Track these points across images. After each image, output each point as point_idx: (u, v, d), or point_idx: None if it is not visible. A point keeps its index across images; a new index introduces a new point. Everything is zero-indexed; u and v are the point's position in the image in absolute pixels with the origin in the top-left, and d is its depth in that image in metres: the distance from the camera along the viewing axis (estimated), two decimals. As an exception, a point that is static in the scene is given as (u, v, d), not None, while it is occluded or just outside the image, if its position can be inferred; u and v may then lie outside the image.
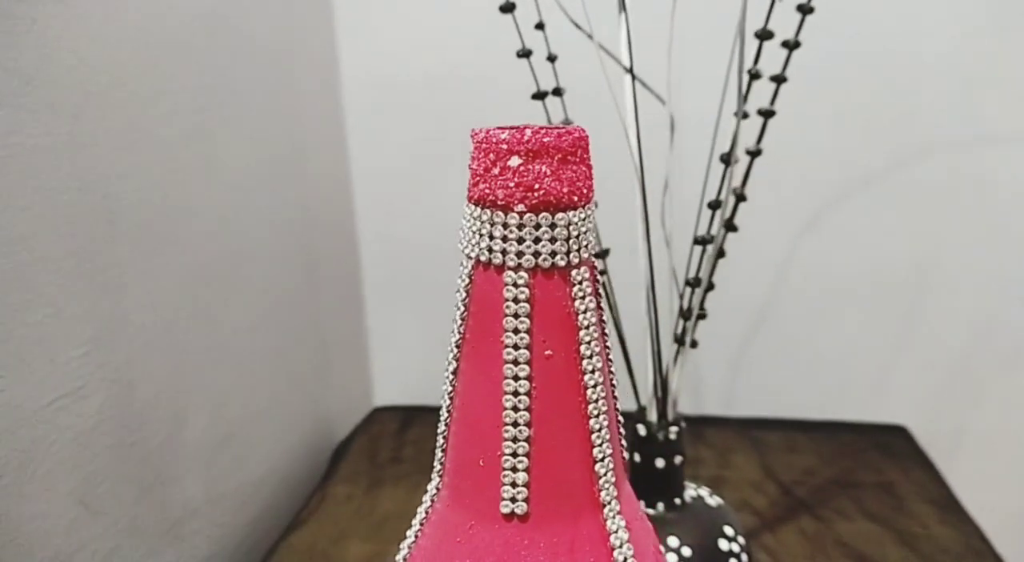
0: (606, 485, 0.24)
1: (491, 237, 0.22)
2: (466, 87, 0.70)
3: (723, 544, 0.43)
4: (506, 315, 0.23)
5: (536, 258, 0.22)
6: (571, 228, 0.22)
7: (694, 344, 0.43)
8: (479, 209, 0.22)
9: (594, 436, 0.23)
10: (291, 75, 0.70)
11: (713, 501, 0.45)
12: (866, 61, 0.63)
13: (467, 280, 0.23)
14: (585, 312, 0.23)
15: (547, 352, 0.23)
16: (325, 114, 0.77)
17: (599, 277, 0.25)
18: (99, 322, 0.47)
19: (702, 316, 0.42)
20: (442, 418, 0.25)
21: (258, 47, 0.64)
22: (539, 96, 0.40)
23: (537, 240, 0.22)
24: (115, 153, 0.48)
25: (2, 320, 0.40)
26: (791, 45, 0.38)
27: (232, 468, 0.60)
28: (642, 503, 0.44)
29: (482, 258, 0.23)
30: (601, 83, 0.42)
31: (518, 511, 0.23)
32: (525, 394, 0.23)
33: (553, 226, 0.22)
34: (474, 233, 0.23)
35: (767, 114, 0.39)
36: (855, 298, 0.69)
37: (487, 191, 0.22)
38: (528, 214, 0.22)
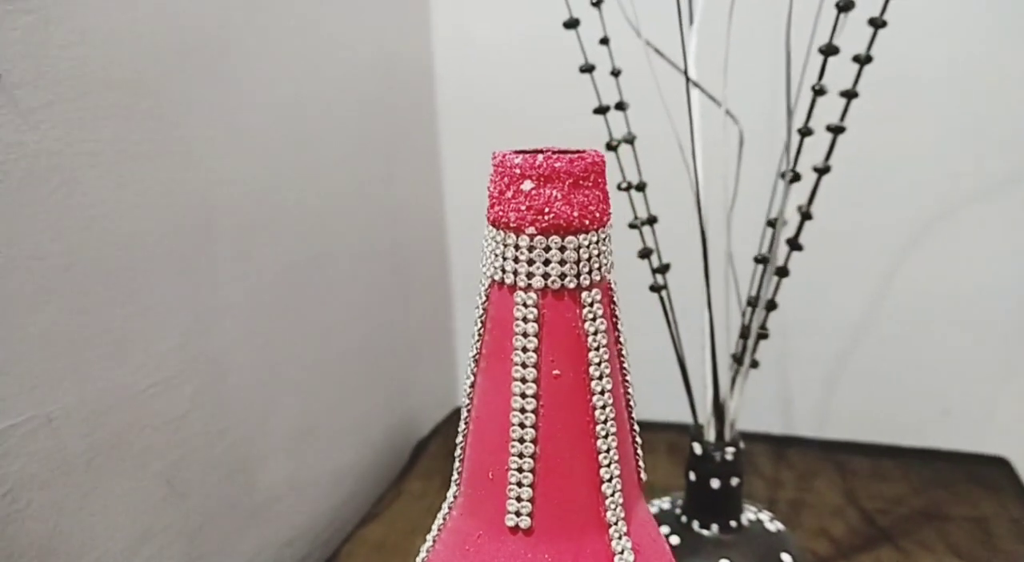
0: (612, 506, 0.24)
1: (504, 258, 0.23)
2: (552, 100, 0.70)
3: (778, 570, 0.42)
4: (515, 334, 0.23)
5: (546, 280, 0.23)
6: (581, 251, 0.23)
7: (755, 364, 0.42)
8: (495, 230, 0.23)
9: (601, 456, 0.24)
10: (388, 82, 0.72)
11: (773, 526, 0.44)
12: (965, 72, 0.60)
13: (484, 298, 0.24)
14: (595, 334, 0.23)
15: (555, 372, 0.23)
16: (419, 117, 0.79)
17: (615, 299, 0.25)
18: (194, 316, 0.50)
19: (763, 336, 0.41)
20: (460, 429, 0.25)
21: (356, 56, 0.67)
22: (601, 110, 0.40)
23: (547, 262, 0.23)
24: (215, 160, 0.51)
25: (106, 311, 0.44)
26: (862, 60, 0.37)
27: (315, 459, 0.64)
28: (696, 523, 0.43)
29: (496, 278, 0.24)
30: (669, 98, 0.42)
31: (522, 525, 0.24)
32: (532, 411, 0.23)
33: (563, 249, 0.23)
34: (490, 253, 0.24)
35: (836, 130, 0.38)
36: (959, 319, 0.65)
37: (501, 213, 0.23)
38: (539, 237, 0.23)
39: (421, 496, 0.64)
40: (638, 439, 0.26)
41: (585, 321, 0.23)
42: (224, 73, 0.52)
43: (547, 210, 0.22)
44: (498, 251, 0.23)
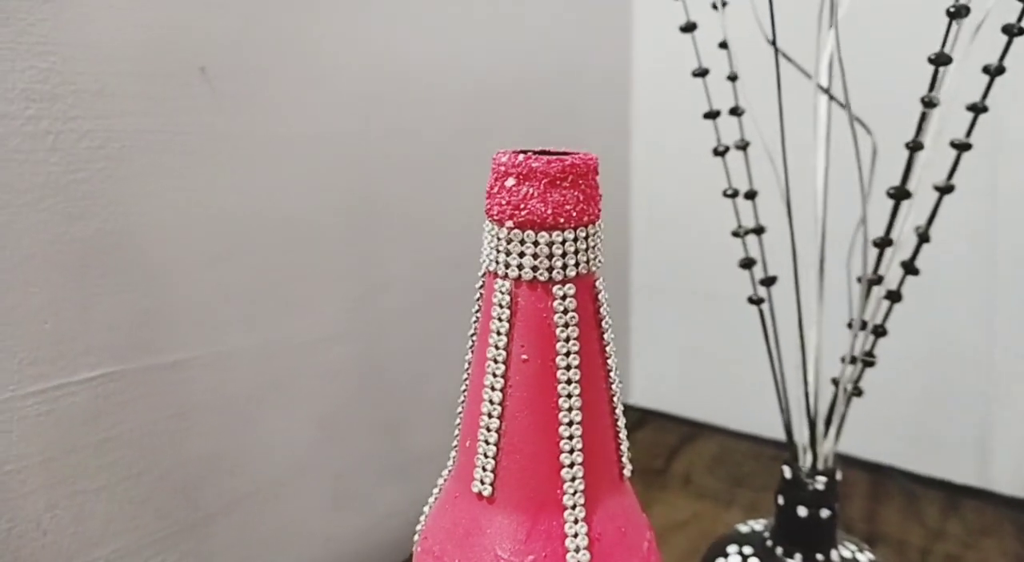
0: (571, 490, 0.25)
1: (492, 247, 0.25)
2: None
3: (859, 615, 0.39)
4: (491, 318, 0.25)
5: (519, 270, 0.25)
6: (553, 247, 0.24)
7: (858, 393, 0.39)
8: (488, 222, 0.25)
9: (562, 442, 0.25)
10: (580, 77, 0.75)
11: (868, 568, 0.41)
12: None
13: (481, 284, 0.27)
14: (566, 326, 0.25)
15: (523, 357, 0.25)
16: (610, 115, 0.81)
17: (599, 295, 0.26)
18: (360, 285, 0.57)
19: (869, 363, 0.39)
20: (459, 401, 0.28)
21: (551, 46, 0.70)
22: (711, 115, 0.40)
23: (522, 254, 0.25)
24: (390, 150, 0.58)
25: (279, 273, 0.52)
26: (993, 72, 0.33)
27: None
28: (779, 550, 0.42)
29: (487, 266, 0.26)
30: (788, 104, 0.40)
31: (485, 492, 0.26)
32: (499, 390, 0.25)
33: (536, 243, 0.24)
34: (484, 243, 0.26)
35: (961, 147, 0.35)
36: None
37: (490, 206, 0.25)
38: (515, 230, 0.24)
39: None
40: (622, 433, 0.27)
41: (556, 313, 0.25)
42: (402, 74, 0.58)
43: (522, 206, 0.24)
44: (488, 241, 0.25)
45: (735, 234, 0.41)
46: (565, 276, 0.25)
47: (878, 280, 0.37)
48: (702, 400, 0.78)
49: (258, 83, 0.50)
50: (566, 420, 0.25)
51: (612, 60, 0.80)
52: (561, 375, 0.25)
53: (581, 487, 0.25)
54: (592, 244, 0.25)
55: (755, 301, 0.41)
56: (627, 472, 0.27)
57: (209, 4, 0.46)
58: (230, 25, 0.48)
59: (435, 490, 0.28)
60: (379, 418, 0.61)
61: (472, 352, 0.27)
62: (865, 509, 0.61)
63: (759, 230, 0.41)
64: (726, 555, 0.43)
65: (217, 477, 0.51)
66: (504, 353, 0.25)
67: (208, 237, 0.48)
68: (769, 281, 0.41)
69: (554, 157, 0.24)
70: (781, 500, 0.42)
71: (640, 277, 0.85)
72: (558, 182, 0.24)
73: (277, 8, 0.50)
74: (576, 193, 0.24)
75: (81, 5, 0.41)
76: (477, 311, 0.26)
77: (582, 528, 0.25)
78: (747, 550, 0.43)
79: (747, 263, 0.41)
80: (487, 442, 0.26)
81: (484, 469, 0.26)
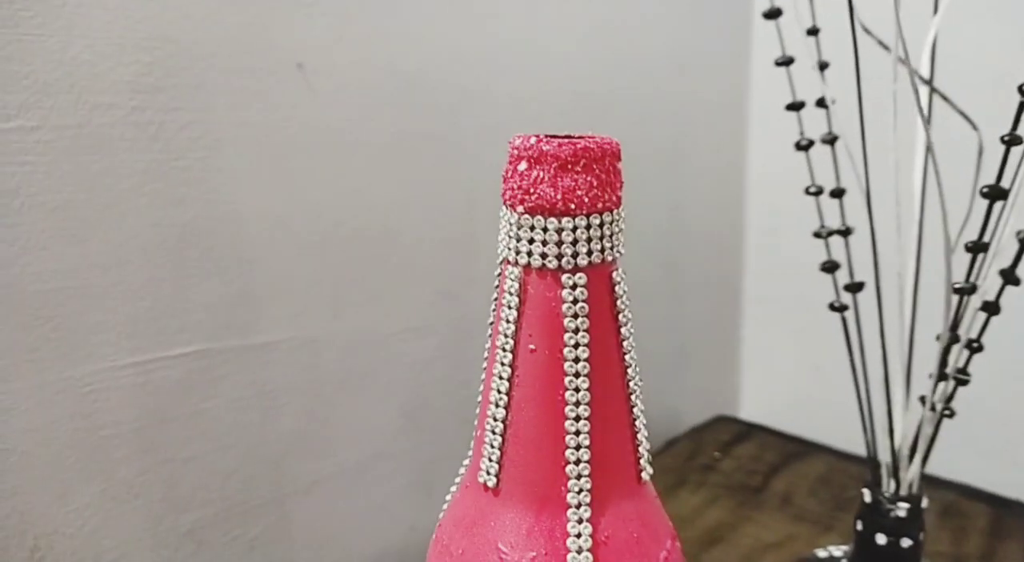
0: (576, 488, 0.24)
1: (504, 234, 0.25)
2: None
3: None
4: (501, 306, 0.25)
5: (529, 257, 0.24)
6: (563, 234, 0.23)
7: (950, 413, 0.36)
8: (503, 208, 0.25)
9: (568, 438, 0.24)
10: (695, 75, 0.73)
11: (956, 608, 0.37)
12: None
13: (499, 271, 0.26)
14: (575, 317, 0.24)
15: (531, 347, 0.24)
16: (725, 109, 0.78)
17: (616, 287, 0.25)
18: (448, 280, 0.58)
19: (962, 382, 0.35)
20: (479, 390, 0.28)
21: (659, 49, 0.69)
22: (794, 107, 0.37)
23: (531, 241, 0.24)
24: (480, 149, 0.58)
25: (366, 265, 0.53)
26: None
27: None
28: (855, 574, 0.38)
29: (502, 254, 0.25)
30: (879, 96, 0.37)
31: (489, 484, 0.25)
32: (507, 379, 0.25)
33: (545, 230, 0.23)
34: (500, 230, 0.25)
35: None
36: None
37: (504, 191, 0.24)
38: (525, 215, 0.24)
39: (645, 489, 0.64)
40: (640, 432, 0.26)
41: (564, 303, 0.24)
42: (487, 72, 0.58)
43: (532, 191, 0.23)
44: (502, 228, 0.25)
45: (816, 235, 0.38)
46: (576, 265, 0.24)
47: (972, 289, 0.33)
48: (812, 417, 0.73)
49: (352, 80, 0.51)
50: (572, 414, 0.24)
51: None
52: (569, 367, 0.24)
53: (587, 486, 0.24)
54: (609, 233, 0.24)
55: (838, 308, 0.38)
56: (646, 475, 0.26)
57: (306, 2, 0.48)
58: (327, 23, 0.49)
59: (456, 479, 0.28)
60: (463, 410, 0.61)
61: (490, 341, 0.26)
62: (984, 546, 0.55)
63: (846, 231, 0.38)
64: (799, 581, 0.40)
65: (301, 457, 0.53)
66: (512, 342, 0.24)
67: (299, 227, 0.50)
68: (855, 287, 0.38)
69: (566, 140, 0.23)
70: (860, 526, 0.38)
71: (753, 289, 0.81)
72: (569, 166, 0.23)
73: (372, 6, 0.51)
74: (589, 178, 0.23)
75: (183, 4, 0.43)
76: (494, 300, 0.26)
77: (586, 529, 0.24)
78: (821, 576, 0.40)
79: (830, 267, 0.38)
80: (493, 432, 0.25)
81: (490, 460, 0.25)
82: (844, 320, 0.38)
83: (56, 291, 0.41)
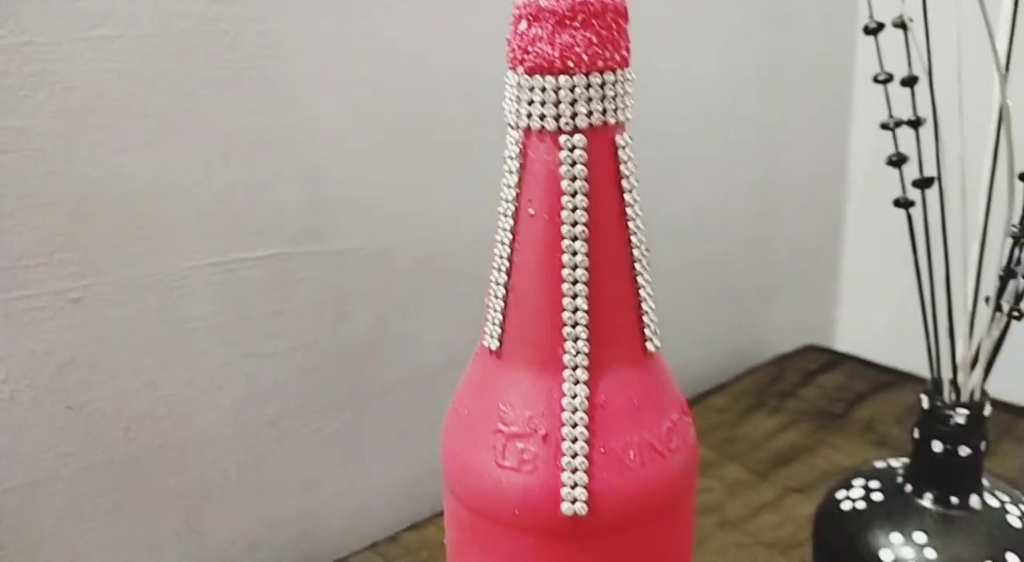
0: (573, 350, 0.24)
1: (507, 99, 0.25)
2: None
3: (994, 570, 0.33)
4: (504, 171, 0.25)
5: (528, 119, 0.24)
6: (560, 94, 0.23)
7: (1019, 315, 0.33)
8: (509, 71, 0.25)
9: (565, 300, 0.24)
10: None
11: (1018, 522, 0.35)
12: None
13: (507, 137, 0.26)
14: (573, 180, 0.23)
15: (530, 211, 0.24)
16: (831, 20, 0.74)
17: (620, 153, 0.24)
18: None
19: (1033, 280, 0.32)
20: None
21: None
22: (882, 80, 0.35)
23: (530, 102, 0.23)
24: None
25: (439, 174, 0.54)
26: None
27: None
28: (908, 486, 0.37)
29: (506, 120, 0.25)
30: None
31: (492, 347, 0.26)
32: (508, 245, 0.25)
33: (543, 89, 0.23)
34: (506, 94, 0.25)
35: None
36: None
37: (507, 53, 0.24)
38: (525, 76, 0.23)
39: (720, 412, 0.63)
40: (645, 302, 0.25)
41: (562, 165, 0.23)
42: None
43: (531, 49, 0.23)
44: (506, 91, 0.25)
45: (884, 127, 0.35)
46: (575, 126, 0.23)
47: (1045, 177, 0.30)
48: (911, 348, 0.69)
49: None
50: (570, 278, 0.24)
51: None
52: (567, 231, 0.24)
53: (585, 349, 0.24)
54: (612, 93, 0.23)
55: (903, 204, 0.36)
56: (651, 346, 0.26)
57: (374, -88, 0.49)
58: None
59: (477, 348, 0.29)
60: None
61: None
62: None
63: (916, 122, 0.35)
64: (850, 487, 0.39)
65: (376, 360, 0.55)
66: (513, 207, 0.24)
67: (372, 138, 0.52)
68: (924, 183, 0.35)
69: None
70: (917, 434, 0.36)
71: (857, 217, 0.77)
72: (567, 22, 0.22)
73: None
74: (588, 35, 0.23)
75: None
76: (505, 167, 0.26)
77: (582, 390, 0.24)
78: (873, 484, 0.38)
79: (897, 160, 0.35)
80: (496, 297, 0.25)
81: (493, 324, 0.26)
82: (909, 217, 0.36)
83: (141, 192, 0.44)
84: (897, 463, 0.39)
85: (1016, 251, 0.33)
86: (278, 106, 0.48)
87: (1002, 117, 0.33)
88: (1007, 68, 0.32)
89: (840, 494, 0.39)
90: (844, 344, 0.78)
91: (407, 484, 0.58)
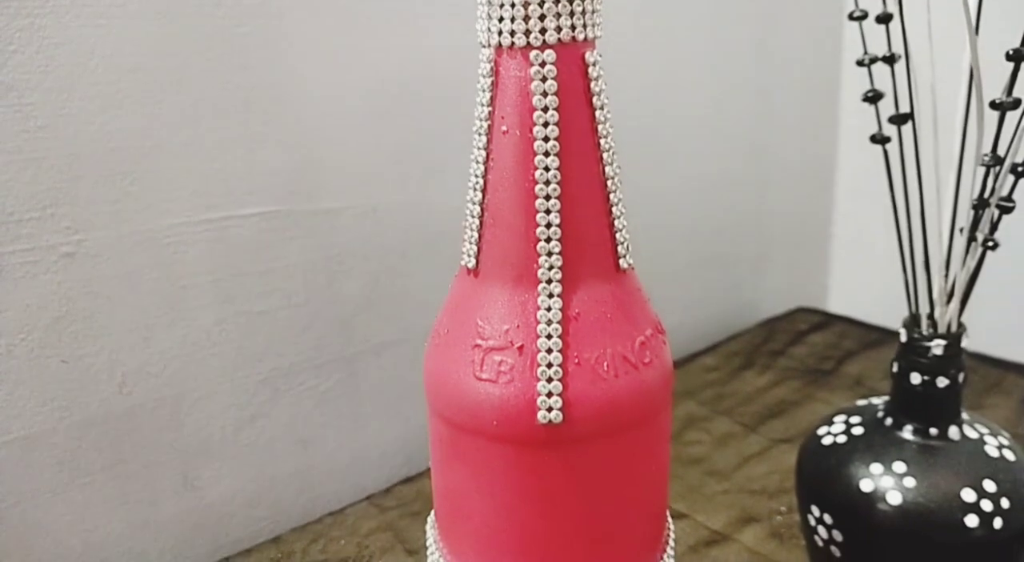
0: (547, 264, 0.24)
1: (480, 16, 0.25)
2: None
3: (968, 495, 0.34)
4: (478, 89, 0.25)
5: (499, 36, 0.24)
6: (529, 8, 0.23)
7: (992, 245, 0.34)
8: (481, -7, 0.25)
9: (539, 215, 0.24)
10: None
11: (999, 452, 0.35)
12: None
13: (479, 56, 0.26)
14: (544, 95, 0.24)
15: (503, 128, 0.25)
16: None
17: (590, 70, 0.24)
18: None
19: (1007, 209, 0.33)
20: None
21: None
22: (857, 16, 0.35)
23: (500, 18, 0.24)
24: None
25: (424, 140, 0.54)
26: None
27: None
28: (889, 419, 0.37)
29: (478, 39, 0.26)
30: None
31: (469, 265, 0.26)
32: (482, 164, 0.25)
33: (513, 5, 0.23)
34: (478, 14, 0.26)
35: None
36: None
37: (479, -27, 0.25)
38: (495, -7, 0.24)
39: (710, 370, 0.64)
40: (618, 221, 0.26)
41: (533, 81, 0.24)
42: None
43: (499, -39, 0.23)
44: (479, 12, 0.25)
45: (859, 63, 0.36)
46: (545, 42, 0.24)
47: (1015, 104, 0.31)
48: (902, 311, 0.70)
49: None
50: (543, 193, 0.24)
51: None
52: (539, 147, 0.24)
53: (558, 263, 0.25)
54: (580, 9, 0.24)
55: (879, 140, 0.36)
56: (624, 263, 0.26)
57: None
58: None
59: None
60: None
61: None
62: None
63: (891, 59, 0.36)
64: (831, 423, 0.39)
65: (369, 320, 0.56)
66: (486, 125, 0.25)
67: (362, 97, 0.52)
68: (900, 118, 0.36)
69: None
70: (895, 368, 0.37)
71: (846, 181, 0.77)
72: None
73: None
74: (556, -50, 0.23)
75: None
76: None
77: (556, 303, 0.25)
78: (854, 420, 0.39)
79: (873, 97, 0.36)
80: (471, 215, 0.26)
81: (469, 242, 0.26)
82: (886, 153, 0.36)
83: (133, 148, 0.45)
84: (878, 401, 0.40)
85: (989, 181, 0.33)
86: (268, 64, 0.48)
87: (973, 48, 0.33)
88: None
89: (822, 430, 0.39)
90: (836, 308, 0.78)
91: (402, 441, 0.58)
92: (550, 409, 0.24)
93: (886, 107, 0.36)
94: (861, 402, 0.40)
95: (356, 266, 0.55)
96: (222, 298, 0.50)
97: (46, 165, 0.42)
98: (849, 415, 0.39)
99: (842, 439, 0.37)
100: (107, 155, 0.44)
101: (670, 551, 0.29)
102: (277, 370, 0.53)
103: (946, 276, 0.35)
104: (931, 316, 0.35)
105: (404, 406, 0.58)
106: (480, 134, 0.25)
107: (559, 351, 0.24)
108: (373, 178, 0.54)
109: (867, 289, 0.77)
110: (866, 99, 0.36)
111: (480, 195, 0.25)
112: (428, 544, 0.30)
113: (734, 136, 0.73)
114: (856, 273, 0.77)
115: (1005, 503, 0.34)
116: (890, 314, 0.70)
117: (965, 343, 0.35)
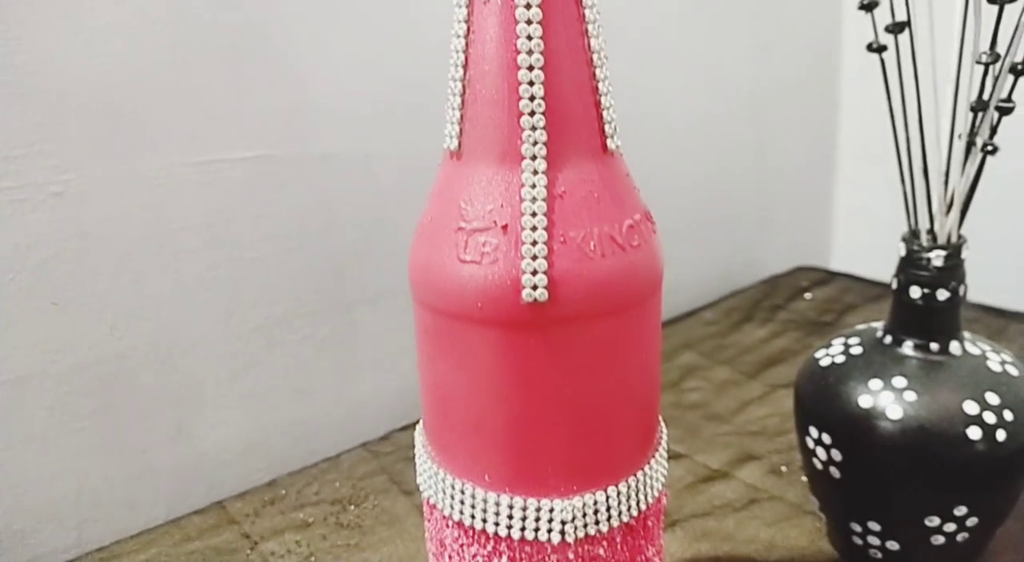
0: (531, 140, 0.23)
1: None
2: None
3: (970, 407, 0.33)
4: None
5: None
6: None
7: (992, 149, 0.33)
8: None
9: (522, 88, 0.23)
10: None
11: (1001, 367, 0.34)
12: None
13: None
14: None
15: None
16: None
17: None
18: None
19: (1006, 110, 0.32)
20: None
21: None
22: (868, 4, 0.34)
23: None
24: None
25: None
26: None
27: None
28: (888, 337, 0.36)
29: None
30: None
31: (452, 147, 0.25)
32: (462, 38, 0.24)
33: None
34: None
35: None
36: None
37: None
38: None
39: (709, 324, 0.63)
40: (604, 96, 0.25)
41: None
42: None
43: None
44: None
45: (853, -26, 0.35)
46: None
47: (1013, -5, 0.30)
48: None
49: None
50: (525, 64, 0.23)
51: None
52: (520, 15, 0.23)
53: (543, 139, 0.24)
54: None
55: (876, 49, 0.35)
56: (612, 144, 0.25)
57: None
58: None
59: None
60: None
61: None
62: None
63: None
64: (830, 346, 0.38)
65: (363, 268, 0.55)
66: (466, -2, 0.24)
67: (352, 44, 0.51)
68: (897, 27, 0.35)
69: None
70: (895, 284, 0.36)
71: (848, 143, 0.76)
72: None
73: None
74: None
75: None
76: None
77: (540, 180, 0.24)
78: (852, 341, 0.38)
79: (868, 4, 0.35)
80: (453, 94, 0.25)
81: (451, 123, 0.25)
82: (883, 62, 0.35)
83: (121, 86, 0.44)
84: (877, 324, 0.39)
85: (988, 82, 0.32)
86: (259, 4, 0.48)
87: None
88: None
89: (819, 353, 0.38)
90: (838, 268, 0.77)
91: (399, 391, 0.57)
92: (535, 287, 0.23)
93: (882, 16, 0.35)
94: (860, 326, 0.39)
95: (350, 214, 0.54)
96: (213, 243, 0.49)
97: (34, 101, 0.42)
98: (847, 337, 0.38)
99: (840, 359, 0.36)
100: (95, 93, 0.43)
101: (662, 451, 0.29)
102: (271, 318, 0.52)
103: (946, 184, 0.34)
104: (931, 231, 0.34)
105: (401, 357, 0.57)
106: (461, 6, 0.24)
107: (544, 229, 0.23)
108: (367, 125, 0.53)
109: (870, 249, 0.75)
110: (862, 7, 0.35)
111: (461, 71, 0.24)
112: (417, 452, 0.29)
113: (736, 93, 0.72)
114: (858, 233, 0.76)
115: (1008, 415, 0.32)
116: (886, 269, 0.69)
117: (965, 254, 0.34)
